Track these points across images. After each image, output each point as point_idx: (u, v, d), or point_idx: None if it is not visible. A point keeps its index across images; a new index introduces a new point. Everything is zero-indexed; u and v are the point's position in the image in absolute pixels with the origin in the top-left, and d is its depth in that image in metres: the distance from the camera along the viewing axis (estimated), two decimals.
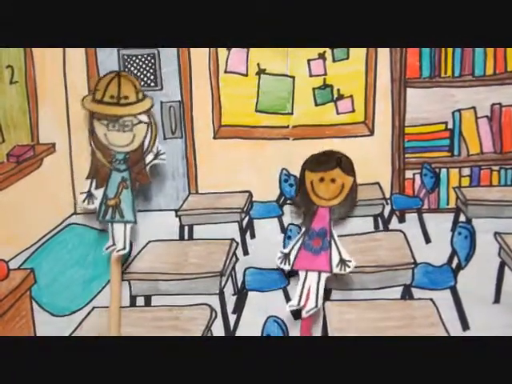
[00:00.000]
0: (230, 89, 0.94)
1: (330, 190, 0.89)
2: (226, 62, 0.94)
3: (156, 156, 0.90)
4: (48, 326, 0.95)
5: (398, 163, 0.95)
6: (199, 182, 0.97)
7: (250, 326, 0.93)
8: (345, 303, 0.95)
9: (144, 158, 0.90)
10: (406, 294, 0.94)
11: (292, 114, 0.94)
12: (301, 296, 0.88)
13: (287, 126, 0.94)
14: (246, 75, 0.94)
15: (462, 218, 0.95)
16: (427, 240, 0.95)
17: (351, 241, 0.95)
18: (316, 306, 0.88)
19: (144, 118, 0.90)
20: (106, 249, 0.91)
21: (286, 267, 0.89)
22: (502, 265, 0.93)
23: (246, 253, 0.96)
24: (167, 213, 0.97)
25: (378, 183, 0.95)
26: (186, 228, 0.97)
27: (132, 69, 0.94)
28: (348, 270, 0.88)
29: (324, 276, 0.89)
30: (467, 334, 0.93)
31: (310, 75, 0.93)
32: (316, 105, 0.94)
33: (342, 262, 0.88)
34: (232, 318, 0.95)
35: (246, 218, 0.96)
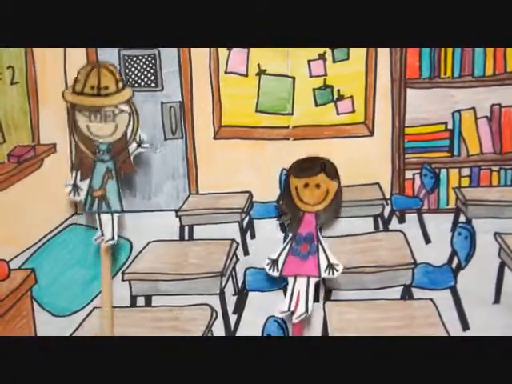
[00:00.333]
0: (230, 89, 0.94)
1: (315, 195, 0.89)
2: (227, 62, 0.94)
3: (139, 144, 0.90)
4: (49, 326, 0.95)
5: (397, 163, 0.95)
6: (199, 183, 0.97)
7: (251, 326, 0.93)
8: (345, 303, 0.95)
9: (127, 148, 0.90)
10: (406, 294, 0.94)
11: (292, 114, 0.94)
12: (290, 301, 0.89)
13: (287, 127, 0.94)
14: (247, 76, 0.94)
15: (462, 218, 0.95)
16: (427, 240, 0.95)
17: (351, 241, 0.96)
18: (306, 311, 0.88)
19: (125, 107, 0.89)
20: (95, 240, 0.91)
21: (275, 273, 0.89)
22: (502, 265, 0.93)
23: (246, 253, 0.96)
24: (167, 213, 0.97)
25: (378, 183, 0.95)
26: (187, 228, 0.97)
27: (133, 69, 0.94)
28: (336, 273, 0.88)
29: (313, 281, 0.89)
30: (467, 334, 0.93)
31: (311, 76, 0.94)
32: (316, 105, 0.94)
33: (330, 266, 0.88)
34: (232, 318, 0.95)
35: (247, 219, 0.96)
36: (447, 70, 0.93)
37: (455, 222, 0.95)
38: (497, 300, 0.93)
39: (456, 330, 0.93)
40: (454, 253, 0.94)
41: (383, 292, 0.94)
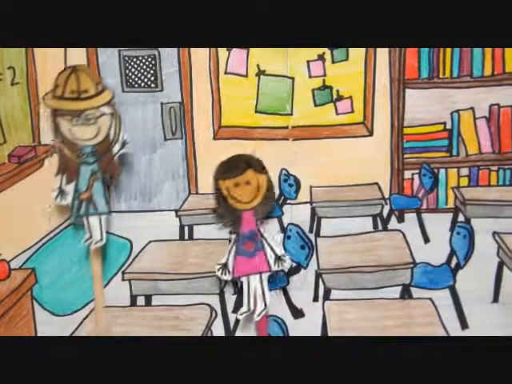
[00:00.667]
0: (229, 90, 0.95)
1: (248, 192, 0.89)
2: (226, 63, 0.94)
3: (123, 145, 0.90)
4: (49, 326, 0.95)
5: (396, 163, 0.95)
6: (199, 183, 0.97)
7: (250, 325, 0.93)
8: (344, 303, 0.95)
9: (111, 149, 0.90)
10: (405, 294, 0.94)
11: (291, 114, 0.94)
12: (249, 301, 0.89)
13: (287, 127, 0.95)
14: (246, 76, 0.94)
15: (461, 217, 0.95)
16: (426, 240, 0.95)
17: (351, 240, 0.96)
18: (265, 306, 0.89)
19: (106, 109, 0.89)
20: (85, 242, 0.91)
21: (227, 277, 0.89)
22: (501, 264, 0.94)
23: None
24: (167, 213, 0.97)
25: (377, 183, 0.96)
26: (186, 228, 0.97)
27: (133, 70, 0.95)
28: (286, 265, 0.89)
29: (265, 276, 0.89)
30: (466, 333, 0.93)
31: (310, 76, 0.94)
32: (315, 105, 0.94)
33: (278, 258, 0.89)
34: (232, 318, 0.95)
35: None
36: (446, 71, 0.93)
37: (454, 222, 0.95)
38: (495, 299, 0.93)
39: (455, 329, 0.93)
40: (452, 252, 0.94)
41: (382, 291, 0.95)
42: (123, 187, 0.94)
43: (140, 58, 0.94)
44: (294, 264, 0.95)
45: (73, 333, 0.95)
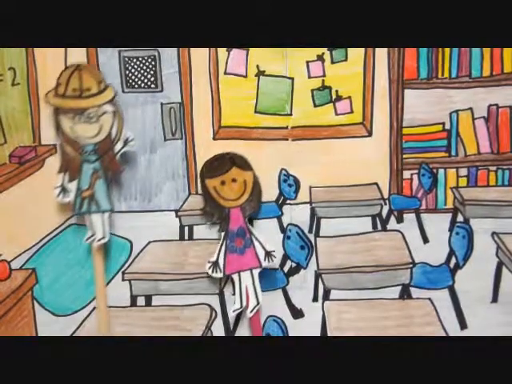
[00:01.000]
0: (229, 90, 0.95)
1: (235, 189, 0.90)
2: (226, 63, 0.95)
3: (125, 143, 0.91)
4: (49, 326, 0.96)
5: (395, 164, 0.95)
6: (199, 183, 0.97)
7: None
8: (344, 303, 0.95)
9: (113, 147, 0.91)
10: (405, 294, 0.95)
11: (291, 115, 0.95)
12: (241, 297, 0.90)
13: (286, 127, 0.95)
14: (246, 77, 0.95)
15: (460, 218, 0.95)
16: (425, 240, 0.95)
17: (350, 241, 0.96)
18: (258, 302, 0.90)
19: (108, 107, 0.90)
20: (86, 240, 0.91)
21: (219, 275, 0.90)
22: (500, 265, 0.94)
23: None
24: (167, 213, 0.97)
25: (376, 183, 0.96)
26: (186, 228, 0.98)
27: (133, 70, 0.95)
28: (275, 260, 0.90)
29: (256, 272, 0.90)
30: (465, 333, 0.93)
31: (309, 76, 0.94)
32: (315, 106, 0.95)
33: (268, 254, 0.90)
34: (232, 318, 0.95)
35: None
36: (445, 71, 0.93)
37: (453, 222, 0.95)
38: (494, 299, 0.94)
39: (454, 329, 0.93)
40: (451, 252, 0.94)
41: (382, 291, 0.95)
42: (123, 187, 0.94)
43: (140, 59, 0.95)
44: (294, 264, 0.96)
45: (73, 333, 0.96)
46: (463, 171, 0.95)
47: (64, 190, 0.91)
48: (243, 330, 0.95)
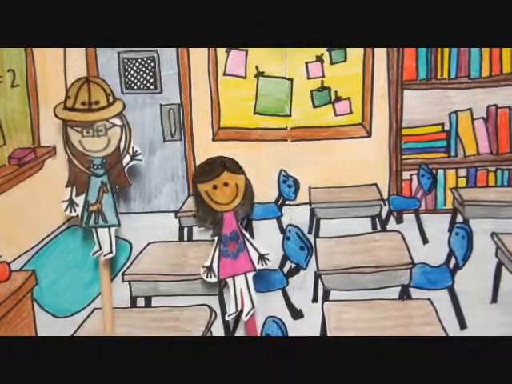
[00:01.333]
0: (228, 91, 0.95)
1: (227, 193, 0.90)
2: (225, 64, 0.95)
3: (133, 157, 0.91)
4: (49, 327, 0.96)
5: (395, 164, 0.95)
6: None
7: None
8: (343, 303, 0.95)
9: (121, 161, 0.91)
10: (404, 294, 0.95)
11: (290, 115, 0.95)
12: (236, 301, 0.90)
13: (285, 128, 0.95)
14: (245, 78, 0.95)
15: (459, 218, 0.95)
16: (425, 240, 0.96)
17: (349, 241, 0.96)
18: (253, 306, 0.90)
19: (117, 120, 0.89)
20: (93, 254, 0.91)
21: (213, 280, 0.90)
22: (499, 265, 0.94)
23: None
24: (167, 214, 0.97)
25: (375, 184, 0.96)
26: (186, 229, 0.98)
27: (132, 72, 0.95)
28: (269, 263, 0.90)
29: (250, 275, 0.90)
30: (465, 333, 0.93)
31: (308, 77, 0.94)
32: (314, 107, 0.95)
33: (261, 257, 0.90)
34: (231, 319, 0.95)
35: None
36: (444, 72, 0.93)
37: (452, 223, 0.95)
38: (494, 299, 0.94)
39: (454, 330, 0.93)
40: (451, 253, 0.95)
41: (381, 292, 0.95)
42: (122, 189, 0.94)
43: (139, 60, 0.95)
44: (294, 265, 0.96)
45: (73, 334, 0.96)
46: (462, 172, 0.95)
47: (72, 203, 0.90)
48: (243, 331, 0.95)
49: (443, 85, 0.93)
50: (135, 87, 0.95)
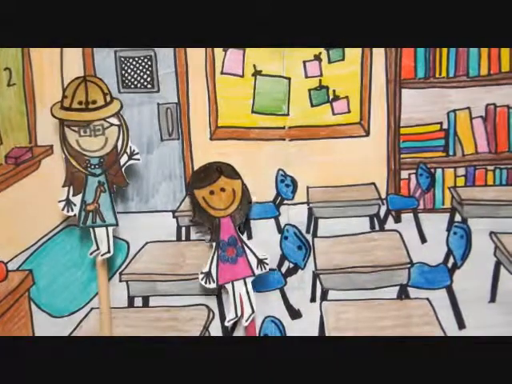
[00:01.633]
0: (226, 90, 0.95)
1: (224, 199, 0.90)
2: (223, 63, 0.94)
3: (130, 157, 0.90)
4: (46, 327, 0.96)
5: (393, 163, 0.95)
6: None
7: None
8: (341, 303, 0.95)
9: (119, 160, 0.90)
10: (403, 294, 0.95)
11: (288, 115, 0.94)
12: (235, 307, 0.90)
13: (283, 127, 0.95)
14: (242, 76, 0.94)
15: (458, 217, 0.95)
16: (423, 240, 0.95)
17: (347, 241, 0.96)
18: (252, 311, 0.89)
19: (114, 120, 0.89)
20: (91, 254, 0.91)
21: (212, 285, 0.90)
22: (498, 264, 0.94)
23: None
24: (164, 214, 0.97)
25: (373, 183, 0.96)
26: (184, 229, 0.97)
27: (129, 71, 0.95)
28: (268, 267, 0.90)
29: (249, 280, 0.90)
30: (463, 332, 0.93)
31: (306, 76, 0.94)
32: (312, 106, 0.94)
33: (260, 261, 0.90)
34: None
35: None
36: (442, 70, 0.93)
37: (451, 222, 0.95)
38: (492, 299, 0.94)
39: (452, 329, 0.93)
40: (449, 252, 0.94)
41: (379, 292, 0.95)
42: (119, 189, 0.93)
43: (136, 59, 0.94)
44: (292, 265, 0.96)
45: (70, 334, 0.96)
46: (461, 171, 0.95)
47: (69, 203, 0.90)
48: (241, 331, 0.95)
49: (441, 83, 0.93)
50: (132, 86, 0.95)
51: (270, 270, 0.93)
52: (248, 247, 0.90)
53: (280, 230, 0.96)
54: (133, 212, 0.97)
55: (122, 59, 0.94)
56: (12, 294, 0.93)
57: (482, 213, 0.94)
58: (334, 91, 0.94)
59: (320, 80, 0.94)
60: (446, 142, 0.95)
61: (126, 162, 0.90)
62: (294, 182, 0.95)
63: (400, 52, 0.92)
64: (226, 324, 0.91)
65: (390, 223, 0.96)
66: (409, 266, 0.94)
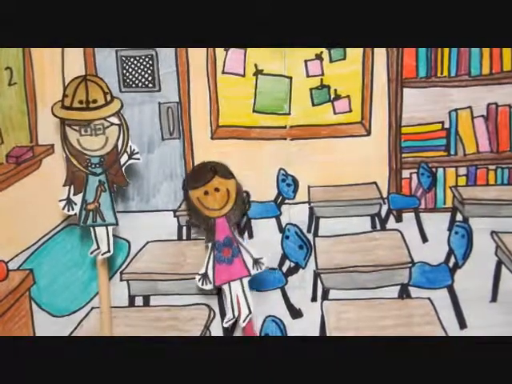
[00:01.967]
0: (227, 89, 0.95)
1: (218, 199, 0.89)
2: (224, 62, 0.94)
3: (130, 156, 0.90)
4: (47, 327, 0.95)
5: (394, 163, 0.95)
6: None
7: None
8: (342, 302, 0.95)
9: (119, 160, 0.90)
10: (404, 293, 0.95)
11: (289, 114, 0.94)
12: (233, 308, 0.89)
13: (285, 127, 0.95)
14: (244, 76, 0.94)
15: (459, 217, 0.95)
16: (424, 239, 0.95)
17: (349, 240, 0.96)
18: (250, 311, 0.89)
19: (115, 119, 0.89)
20: (91, 253, 0.91)
21: (209, 287, 0.89)
22: (499, 264, 0.94)
23: None
24: (165, 213, 0.97)
25: (375, 183, 0.96)
26: (184, 228, 0.97)
27: (130, 70, 0.95)
28: (263, 267, 0.89)
29: (246, 281, 0.89)
30: (464, 332, 0.93)
31: (307, 75, 0.94)
32: (313, 105, 0.94)
33: (256, 261, 0.89)
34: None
35: (244, 218, 0.96)
36: (444, 70, 0.93)
37: (452, 221, 0.95)
38: (494, 298, 0.94)
39: (453, 329, 0.93)
40: (451, 252, 0.94)
41: (381, 291, 0.95)
42: (120, 188, 0.93)
43: (137, 58, 0.94)
44: (293, 264, 0.96)
45: (71, 333, 0.95)
46: (462, 170, 0.95)
47: (70, 202, 0.90)
48: (241, 331, 0.95)
49: (443, 83, 0.93)
50: (133, 85, 0.95)
51: (270, 269, 0.94)
52: (243, 247, 0.89)
53: (281, 230, 0.96)
54: (134, 211, 0.97)
55: (124, 59, 0.94)
56: (13, 293, 0.93)
57: (483, 212, 0.94)
58: (335, 90, 0.94)
59: (321, 79, 0.94)
60: (447, 141, 0.95)
61: (126, 161, 0.90)
62: (295, 182, 0.95)
63: (401, 51, 0.92)
64: (224, 325, 0.90)
65: (392, 222, 0.96)
66: (410, 265, 0.94)
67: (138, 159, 0.91)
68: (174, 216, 0.97)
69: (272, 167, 0.95)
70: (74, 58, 0.94)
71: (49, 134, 0.95)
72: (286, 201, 0.96)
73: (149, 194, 0.97)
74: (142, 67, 0.95)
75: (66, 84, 0.91)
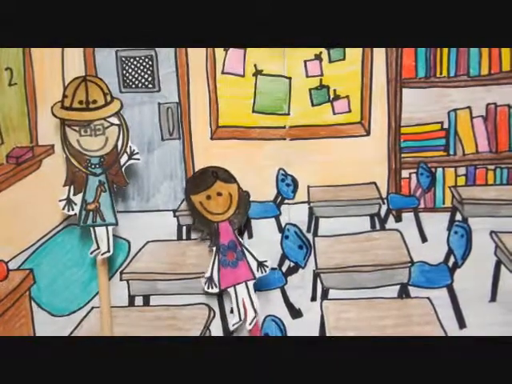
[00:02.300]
0: (227, 90, 0.95)
1: (221, 203, 0.90)
2: (223, 63, 0.94)
3: (130, 156, 0.91)
4: (47, 326, 0.96)
5: (394, 163, 0.95)
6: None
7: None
8: (342, 302, 0.95)
9: (119, 160, 0.91)
10: (403, 293, 0.95)
11: (289, 114, 0.95)
12: (239, 311, 0.90)
13: (284, 127, 0.95)
14: (243, 76, 0.94)
15: (458, 217, 0.95)
16: (424, 239, 0.95)
17: (348, 240, 0.96)
18: (256, 314, 0.90)
19: (114, 120, 0.90)
20: (91, 253, 0.91)
21: (215, 290, 0.90)
22: (498, 263, 0.94)
23: None
24: (165, 213, 0.97)
25: (374, 183, 0.96)
26: (184, 228, 0.97)
27: (130, 70, 0.95)
28: (268, 270, 0.90)
29: (251, 284, 0.90)
30: (464, 332, 0.93)
31: (307, 76, 0.94)
32: (312, 105, 0.94)
33: (260, 264, 0.90)
34: (230, 318, 0.95)
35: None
36: (443, 70, 0.93)
37: (451, 221, 0.95)
38: (493, 298, 0.94)
39: (453, 329, 0.93)
40: (450, 251, 0.94)
41: (380, 291, 0.95)
42: (120, 188, 0.93)
43: (137, 59, 0.95)
44: (292, 264, 0.96)
45: (71, 333, 0.96)
46: (461, 170, 0.95)
47: (70, 202, 0.90)
48: (245, 331, 0.95)
49: (442, 83, 0.93)
50: (133, 86, 0.95)
51: (270, 269, 0.94)
52: (248, 250, 0.90)
53: (281, 230, 0.96)
54: (134, 211, 0.97)
55: (123, 59, 0.94)
56: (13, 293, 0.93)
57: (482, 212, 0.94)
58: (334, 91, 0.94)
59: (321, 79, 0.94)
60: (446, 141, 0.95)
61: (126, 161, 0.91)
62: (295, 182, 0.95)
63: (401, 51, 0.92)
64: (231, 329, 0.91)
65: (391, 222, 0.96)
66: (409, 265, 0.94)
67: (138, 159, 0.91)
68: (174, 216, 0.97)
69: (271, 167, 0.95)
70: (74, 59, 0.94)
71: (49, 134, 0.95)
72: (286, 201, 0.96)
73: (149, 193, 0.97)
74: (141, 68, 0.95)
75: (65, 84, 0.91)
